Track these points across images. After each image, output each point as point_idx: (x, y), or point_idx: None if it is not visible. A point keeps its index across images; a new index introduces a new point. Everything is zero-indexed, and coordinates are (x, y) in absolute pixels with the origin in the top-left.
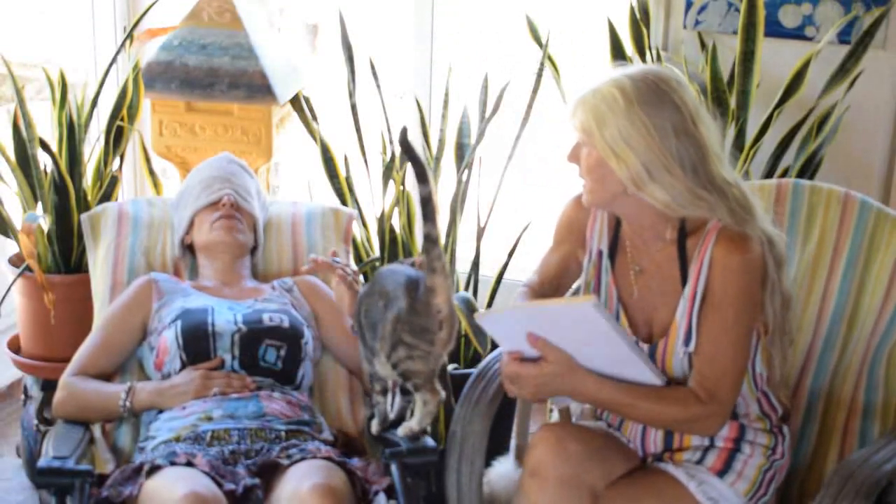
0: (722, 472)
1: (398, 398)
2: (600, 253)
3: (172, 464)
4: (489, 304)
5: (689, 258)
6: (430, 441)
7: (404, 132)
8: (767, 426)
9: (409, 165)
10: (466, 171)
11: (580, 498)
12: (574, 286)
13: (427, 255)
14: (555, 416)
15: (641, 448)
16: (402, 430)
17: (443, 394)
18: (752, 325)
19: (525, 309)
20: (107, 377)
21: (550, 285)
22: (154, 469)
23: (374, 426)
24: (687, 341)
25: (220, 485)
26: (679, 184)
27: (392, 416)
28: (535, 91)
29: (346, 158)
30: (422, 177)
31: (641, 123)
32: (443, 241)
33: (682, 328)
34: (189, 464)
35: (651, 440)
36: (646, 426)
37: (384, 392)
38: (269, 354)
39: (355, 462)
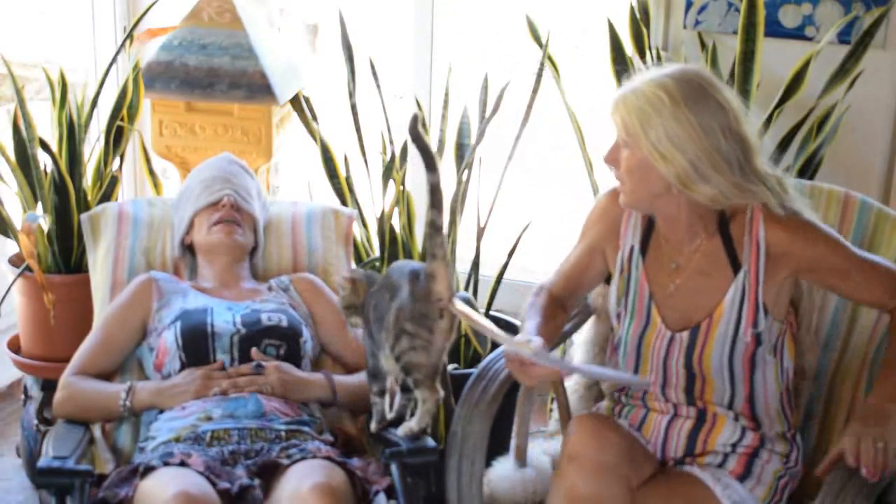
0: (742, 477)
1: (398, 397)
2: (631, 248)
3: (166, 464)
4: (489, 305)
5: (737, 242)
6: (430, 441)
7: (414, 120)
8: (784, 429)
9: (408, 165)
10: (466, 171)
11: (619, 486)
12: (599, 283)
13: (429, 241)
14: (555, 416)
15: (661, 451)
16: (401, 430)
17: (441, 393)
18: (849, 251)
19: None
20: (107, 377)
21: (568, 283)
22: (149, 470)
23: (373, 424)
24: (756, 322)
25: (214, 484)
26: (726, 180)
27: (391, 415)
28: (535, 91)
29: (346, 158)
30: (430, 165)
31: (689, 124)
32: None
33: (744, 309)
34: (183, 464)
35: (672, 445)
36: (667, 429)
37: (381, 393)
38: (268, 354)
39: (355, 462)
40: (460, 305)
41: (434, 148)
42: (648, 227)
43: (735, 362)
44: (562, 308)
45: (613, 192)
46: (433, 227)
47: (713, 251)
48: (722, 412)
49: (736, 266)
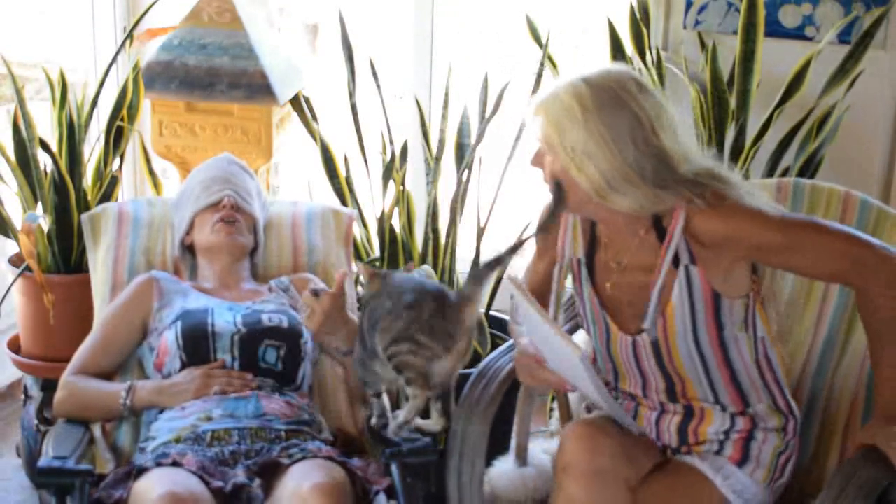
0: (741, 462)
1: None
2: (578, 262)
3: (159, 465)
4: (489, 305)
5: (671, 236)
6: (430, 441)
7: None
8: (771, 398)
9: (408, 166)
10: (466, 171)
11: (617, 489)
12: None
13: (487, 269)
14: (556, 416)
15: (657, 439)
16: (391, 430)
17: (430, 392)
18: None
19: (533, 313)
20: (107, 376)
21: (541, 291)
22: (142, 471)
23: (374, 419)
24: (717, 310)
25: (208, 484)
26: (640, 191)
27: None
28: (535, 91)
29: (346, 158)
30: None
31: (599, 135)
32: (443, 240)
33: (695, 300)
34: (176, 464)
35: (665, 433)
36: (657, 423)
37: (377, 395)
38: (269, 355)
39: (355, 462)
40: (516, 284)
41: (434, 148)
42: (592, 236)
43: (705, 352)
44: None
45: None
46: (499, 261)
47: (651, 246)
48: (708, 406)
49: (676, 261)
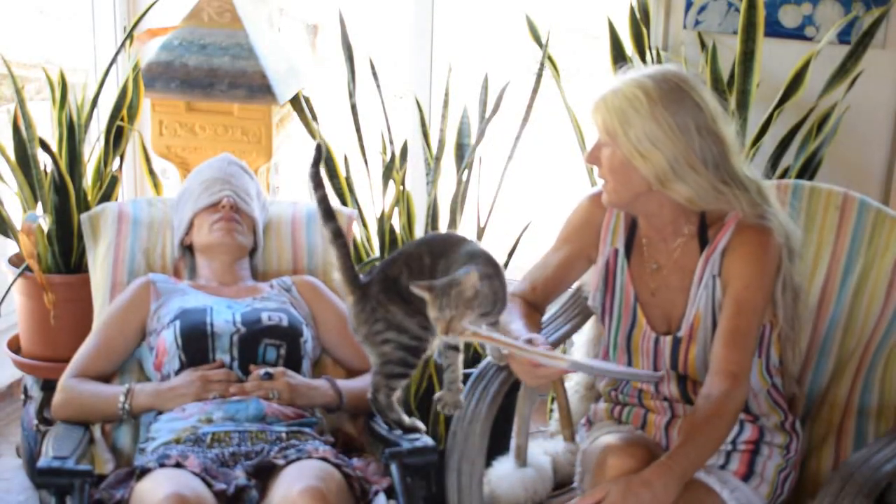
0: (746, 476)
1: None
2: (616, 252)
3: (162, 466)
4: None
5: (712, 248)
6: (429, 440)
7: (316, 160)
8: (781, 419)
9: (408, 166)
10: (466, 171)
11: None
12: (576, 285)
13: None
14: (555, 416)
15: (667, 447)
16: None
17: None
18: (765, 308)
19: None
20: (106, 379)
21: (544, 290)
22: (145, 472)
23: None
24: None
25: (210, 485)
26: (703, 179)
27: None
28: (535, 91)
29: (346, 158)
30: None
31: (666, 123)
32: None
33: (707, 316)
34: (179, 465)
35: (675, 439)
36: (667, 429)
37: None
38: (269, 354)
39: (355, 462)
40: (474, 328)
41: (434, 148)
42: (632, 229)
43: None
44: (536, 311)
45: (594, 196)
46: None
47: (691, 253)
48: None
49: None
